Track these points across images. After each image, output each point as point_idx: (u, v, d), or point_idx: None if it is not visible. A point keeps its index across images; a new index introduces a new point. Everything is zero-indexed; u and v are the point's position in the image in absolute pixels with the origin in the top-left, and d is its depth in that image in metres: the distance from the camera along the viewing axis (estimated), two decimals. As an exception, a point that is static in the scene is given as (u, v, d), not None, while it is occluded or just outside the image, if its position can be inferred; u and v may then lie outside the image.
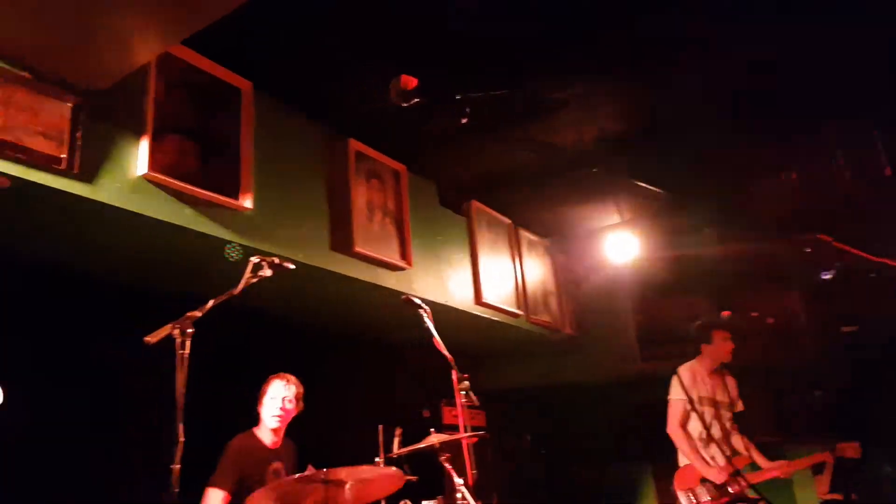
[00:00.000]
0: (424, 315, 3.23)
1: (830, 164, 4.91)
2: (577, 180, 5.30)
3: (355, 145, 4.36)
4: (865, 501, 4.99)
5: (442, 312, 4.72)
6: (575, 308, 6.71)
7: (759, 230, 5.51)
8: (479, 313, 5.33)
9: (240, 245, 3.49)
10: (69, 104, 2.81)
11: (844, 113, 4.47)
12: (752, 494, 4.25)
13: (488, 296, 5.36)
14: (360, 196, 4.33)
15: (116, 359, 3.70)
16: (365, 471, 2.81)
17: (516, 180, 5.35)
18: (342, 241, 4.13)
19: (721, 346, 4.56)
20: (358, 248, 4.15)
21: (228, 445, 3.36)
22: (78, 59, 2.75)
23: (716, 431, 4.42)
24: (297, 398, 3.54)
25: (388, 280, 4.47)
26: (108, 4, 2.50)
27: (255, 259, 2.58)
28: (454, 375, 3.11)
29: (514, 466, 6.89)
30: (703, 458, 4.35)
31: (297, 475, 2.67)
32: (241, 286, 2.51)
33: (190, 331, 2.23)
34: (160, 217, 3.13)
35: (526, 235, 6.22)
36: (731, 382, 4.66)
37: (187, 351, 2.22)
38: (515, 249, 6.01)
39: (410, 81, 3.28)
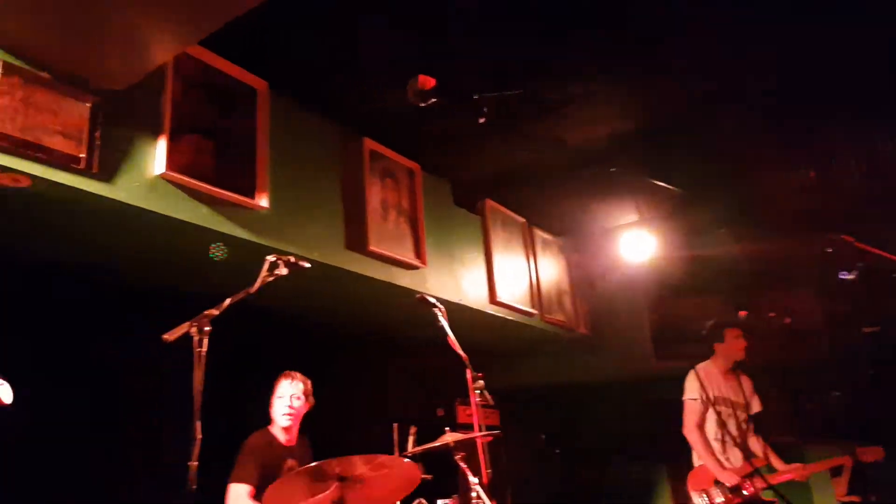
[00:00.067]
0: (439, 314, 3.23)
1: (849, 163, 4.85)
2: (591, 179, 5.26)
3: (370, 144, 4.37)
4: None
5: (456, 311, 4.69)
6: (589, 307, 6.68)
7: (777, 230, 5.45)
8: (493, 312, 5.32)
9: (225, 245, 3.49)
10: (88, 104, 2.84)
11: (864, 112, 4.41)
12: (766, 497, 4.21)
13: (502, 295, 5.35)
14: (375, 195, 4.34)
15: (116, 359, 3.73)
16: (383, 459, 2.65)
17: (530, 179, 5.32)
18: (357, 240, 4.14)
19: (733, 345, 4.53)
20: (372, 247, 4.16)
21: (245, 443, 3.38)
22: (96, 60, 2.79)
23: (731, 432, 4.38)
24: (304, 394, 3.54)
25: (403, 279, 4.48)
26: (125, 6, 2.53)
27: (271, 258, 2.57)
28: (469, 374, 3.10)
29: (528, 465, 6.88)
30: (718, 460, 4.32)
31: (313, 464, 2.56)
32: (257, 285, 2.51)
33: (207, 329, 2.23)
34: (177, 216, 3.15)
35: (540, 234, 6.21)
36: (746, 382, 4.61)
37: (205, 349, 2.22)
38: (530, 248, 5.99)
39: (428, 81, 3.26)
